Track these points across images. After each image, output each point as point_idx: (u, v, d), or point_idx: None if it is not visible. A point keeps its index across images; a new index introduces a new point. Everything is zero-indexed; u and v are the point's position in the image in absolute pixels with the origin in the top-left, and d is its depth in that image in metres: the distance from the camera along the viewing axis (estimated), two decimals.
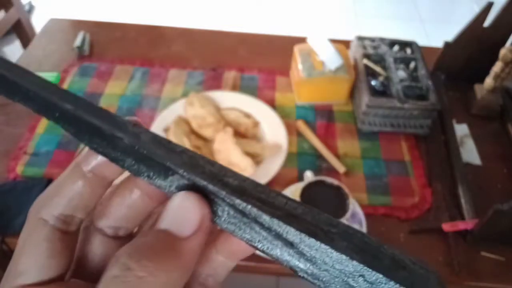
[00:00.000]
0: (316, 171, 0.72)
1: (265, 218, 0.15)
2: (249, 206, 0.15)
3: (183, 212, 0.15)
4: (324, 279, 0.15)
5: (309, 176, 0.70)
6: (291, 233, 0.15)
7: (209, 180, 0.16)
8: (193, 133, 0.77)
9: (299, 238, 0.15)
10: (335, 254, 0.14)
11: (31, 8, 2.13)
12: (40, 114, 0.18)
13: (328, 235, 0.14)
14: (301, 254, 0.15)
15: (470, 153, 0.78)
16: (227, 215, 0.16)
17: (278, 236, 0.15)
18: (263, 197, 0.16)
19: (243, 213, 0.15)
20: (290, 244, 0.15)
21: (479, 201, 0.68)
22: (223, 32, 1.05)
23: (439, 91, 0.84)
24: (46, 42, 0.98)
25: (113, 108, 0.82)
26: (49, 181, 0.68)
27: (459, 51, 0.85)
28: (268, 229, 0.15)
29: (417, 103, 0.76)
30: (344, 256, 0.14)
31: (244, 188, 0.16)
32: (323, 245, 0.14)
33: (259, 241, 0.15)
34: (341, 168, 0.73)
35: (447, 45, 0.85)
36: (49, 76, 0.87)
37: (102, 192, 0.18)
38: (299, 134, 0.80)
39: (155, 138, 0.17)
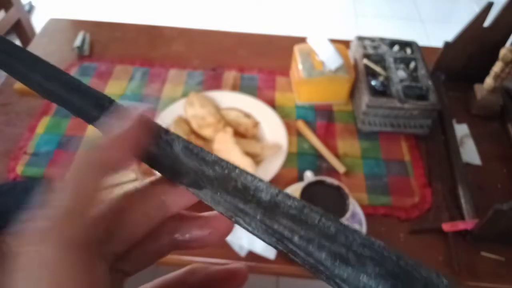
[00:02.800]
0: (316, 171, 0.72)
1: (295, 240, 0.15)
2: (281, 228, 0.15)
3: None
4: None
5: (309, 176, 0.70)
6: (323, 257, 0.15)
7: (243, 201, 0.16)
8: (193, 133, 0.77)
9: (330, 261, 0.15)
10: (365, 279, 0.14)
11: (31, 8, 2.13)
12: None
13: (360, 259, 0.14)
14: (334, 276, 0.15)
15: (470, 153, 0.78)
16: (257, 230, 0.16)
17: (309, 254, 0.15)
18: (295, 213, 0.16)
19: (273, 232, 0.16)
20: (322, 265, 0.15)
21: (479, 201, 0.68)
22: (223, 32, 1.05)
23: (439, 91, 0.84)
24: (46, 42, 0.98)
25: None
26: (49, 181, 0.68)
27: (459, 51, 0.85)
28: (298, 248, 0.15)
29: (417, 103, 0.76)
30: (373, 284, 0.14)
31: (276, 204, 0.16)
32: (353, 273, 0.14)
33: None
34: (341, 168, 0.73)
35: (447, 45, 0.85)
36: None
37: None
38: (299, 134, 0.80)
39: (187, 147, 0.17)
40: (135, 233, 0.16)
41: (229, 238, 0.64)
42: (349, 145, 0.79)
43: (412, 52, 0.86)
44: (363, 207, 0.67)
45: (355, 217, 0.65)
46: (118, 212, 0.16)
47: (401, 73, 0.81)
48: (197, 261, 0.63)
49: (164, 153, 0.17)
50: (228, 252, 0.63)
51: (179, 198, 0.17)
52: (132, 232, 0.16)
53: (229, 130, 0.73)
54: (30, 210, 0.14)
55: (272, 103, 0.84)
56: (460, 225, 0.65)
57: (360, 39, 0.88)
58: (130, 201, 0.16)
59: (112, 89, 0.87)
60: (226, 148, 0.72)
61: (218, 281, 0.18)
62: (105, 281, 0.14)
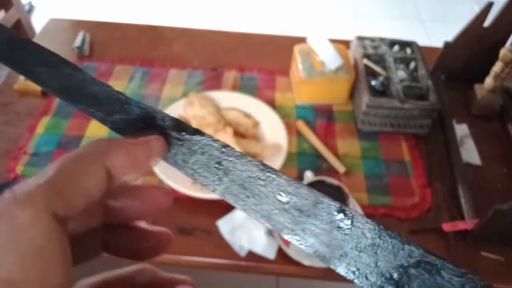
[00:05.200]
0: (316, 171, 0.72)
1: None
2: None
3: None
4: None
5: (309, 176, 0.70)
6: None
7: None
8: None
9: None
10: None
11: (31, 8, 2.13)
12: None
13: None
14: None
15: (470, 153, 0.78)
16: None
17: None
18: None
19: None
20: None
21: (479, 201, 0.68)
22: (223, 32, 1.05)
23: (439, 91, 0.84)
24: (46, 42, 0.98)
25: None
26: None
27: (459, 51, 0.85)
28: None
29: (417, 103, 0.76)
30: None
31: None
32: None
33: None
34: (341, 168, 0.73)
35: (447, 45, 0.85)
36: None
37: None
38: (299, 134, 0.80)
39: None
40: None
41: (229, 238, 0.64)
42: (349, 145, 0.79)
43: (412, 52, 0.86)
44: (363, 207, 0.67)
45: None
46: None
47: (401, 73, 0.81)
48: (197, 261, 0.63)
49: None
50: (228, 252, 0.63)
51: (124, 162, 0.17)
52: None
53: (229, 130, 0.73)
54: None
55: (272, 103, 0.84)
56: (460, 225, 0.65)
57: (360, 39, 0.88)
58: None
59: None
60: None
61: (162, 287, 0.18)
62: (68, 249, 0.14)
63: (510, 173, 0.76)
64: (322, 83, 0.82)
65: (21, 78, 0.85)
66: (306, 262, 0.61)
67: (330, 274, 0.62)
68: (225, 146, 0.17)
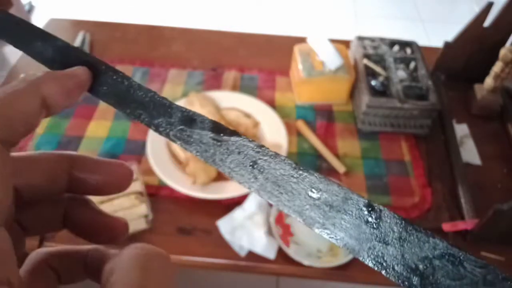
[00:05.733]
0: (316, 171, 0.72)
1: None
2: None
3: None
4: None
5: None
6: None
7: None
8: None
9: None
10: None
11: (31, 8, 2.13)
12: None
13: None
14: None
15: (470, 153, 0.78)
16: None
17: None
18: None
19: None
20: None
21: (479, 201, 0.68)
22: (223, 32, 1.05)
23: (439, 91, 0.84)
24: None
25: (113, 108, 0.82)
26: None
27: (459, 51, 0.85)
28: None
29: (417, 103, 0.76)
30: None
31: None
32: None
33: None
34: (341, 168, 0.73)
35: (447, 45, 0.85)
36: None
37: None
38: (299, 134, 0.80)
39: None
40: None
41: (229, 238, 0.64)
42: (349, 145, 0.79)
43: (412, 52, 0.86)
44: None
45: None
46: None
47: (401, 73, 0.81)
48: (197, 261, 0.63)
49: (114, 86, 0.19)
50: (228, 252, 0.63)
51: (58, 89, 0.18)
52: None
53: None
54: None
55: (272, 103, 0.84)
56: (460, 225, 0.65)
57: (360, 39, 0.88)
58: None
59: None
60: None
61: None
62: (9, 169, 0.15)
63: (510, 173, 0.76)
64: (322, 83, 0.82)
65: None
66: (306, 262, 0.61)
67: (330, 274, 0.62)
68: (261, 146, 0.18)
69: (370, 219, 0.16)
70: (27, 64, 0.91)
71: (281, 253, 0.63)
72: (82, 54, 0.21)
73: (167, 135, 0.19)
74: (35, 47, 0.22)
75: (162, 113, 0.19)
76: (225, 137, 0.18)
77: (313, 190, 0.17)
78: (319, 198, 0.17)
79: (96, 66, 0.20)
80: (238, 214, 0.66)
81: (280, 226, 0.65)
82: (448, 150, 0.77)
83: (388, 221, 0.16)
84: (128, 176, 0.19)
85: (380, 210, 0.16)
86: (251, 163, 0.18)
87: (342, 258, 0.61)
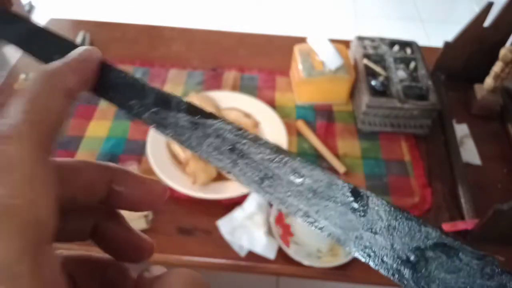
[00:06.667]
0: None
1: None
2: None
3: None
4: None
5: None
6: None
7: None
8: None
9: None
10: None
11: (31, 8, 2.13)
12: None
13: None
14: None
15: (470, 153, 0.78)
16: None
17: None
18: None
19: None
20: None
21: (479, 201, 0.68)
22: (223, 32, 1.05)
23: (439, 91, 0.84)
24: None
25: (113, 108, 0.82)
26: None
27: (459, 51, 0.85)
28: None
29: (417, 103, 0.76)
30: None
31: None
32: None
33: None
34: (341, 168, 0.73)
35: (447, 45, 0.85)
36: None
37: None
38: (299, 134, 0.80)
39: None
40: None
41: (229, 238, 0.64)
42: (349, 145, 0.79)
43: (412, 52, 0.86)
44: None
45: None
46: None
47: (401, 73, 0.81)
48: (197, 261, 0.63)
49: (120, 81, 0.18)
50: (228, 252, 0.63)
51: None
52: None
53: None
54: None
55: (272, 103, 0.84)
56: (460, 225, 0.65)
57: (360, 39, 0.88)
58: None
59: None
60: None
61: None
62: (53, 179, 0.14)
63: (510, 173, 0.76)
64: (322, 83, 0.82)
65: (22, 78, 0.85)
66: (306, 262, 0.61)
67: (330, 274, 0.62)
68: (239, 129, 0.17)
69: (356, 206, 0.15)
70: (27, 64, 0.91)
71: (281, 253, 0.63)
72: (44, 30, 0.19)
73: (140, 118, 0.18)
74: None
75: (135, 95, 0.18)
76: (202, 120, 0.17)
77: (296, 175, 0.16)
78: (301, 184, 0.16)
79: (64, 43, 0.19)
80: (238, 214, 0.66)
81: (280, 226, 0.65)
82: (448, 150, 0.77)
83: (376, 208, 0.15)
84: (163, 196, 0.18)
85: (367, 197, 0.15)
86: (230, 147, 0.17)
87: (342, 258, 0.61)
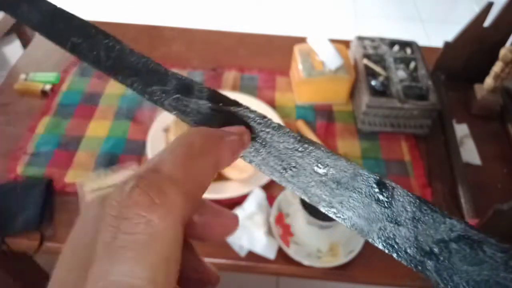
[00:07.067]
0: None
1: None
2: None
3: None
4: None
5: None
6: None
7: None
8: None
9: None
10: None
11: None
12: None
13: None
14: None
15: (470, 153, 0.78)
16: None
17: None
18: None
19: None
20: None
21: (479, 201, 0.68)
22: (223, 32, 1.05)
23: (439, 91, 0.84)
24: (46, 42, 0.98)
25: (113, 108, 0.82)
26: (50, 181, 0.68)
27: (459, 51, 0.85)
28: None
29: (417, 103, 0.76)
30: None
31: None
32: None
33: None
34: None
35: (447, 45, 0.85)
36: (49, 76, 0.87)
37: None
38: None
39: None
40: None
41: (229, 238, 0.64)
42: (349, 145, 0.79)
43: (412, 52, 0.86)
44: None
45: None
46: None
47: (401, 73, 0.81)
48: None
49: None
50: (228, 252, 0.63)
51: None
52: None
53: None
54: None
55: (272, 103, 0.84)
56: None
57: (360, 39, 0.88)
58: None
59: (112, 89, 0.87)
60: None
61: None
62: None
63: (510, 173, 0.76)
64: (322, 83, 0.82)
65: (22, 78, 0.85)
66: (306, 262, 0.61)
67: (330, 274, 0.62)
68: (263, 117, 0.17)
69: (381, 197, 0.15)
70: (27, 64, 0.91)
71: (281, 253, 0.63)
72: (69, 17, 0.19)
73: (162, 105, 0.17)
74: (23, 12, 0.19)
75: (157, 81, 0.18)
76: (224, 107, 0.17)
77: (320, 165, 0.15)
78: (325, 174, 0.15)
79: (86, 29, 0.18)
80: (238, 214, 0.66)
81: (280, 226, 0.65)
82: (448, 150, 0.77)
83: (401, 200, 0.14)
84: (235, 228, 0.18)
85: (393, 188, 0.15)
86: (252, 135, 0.16)
87: (342, 258, 0.61)
